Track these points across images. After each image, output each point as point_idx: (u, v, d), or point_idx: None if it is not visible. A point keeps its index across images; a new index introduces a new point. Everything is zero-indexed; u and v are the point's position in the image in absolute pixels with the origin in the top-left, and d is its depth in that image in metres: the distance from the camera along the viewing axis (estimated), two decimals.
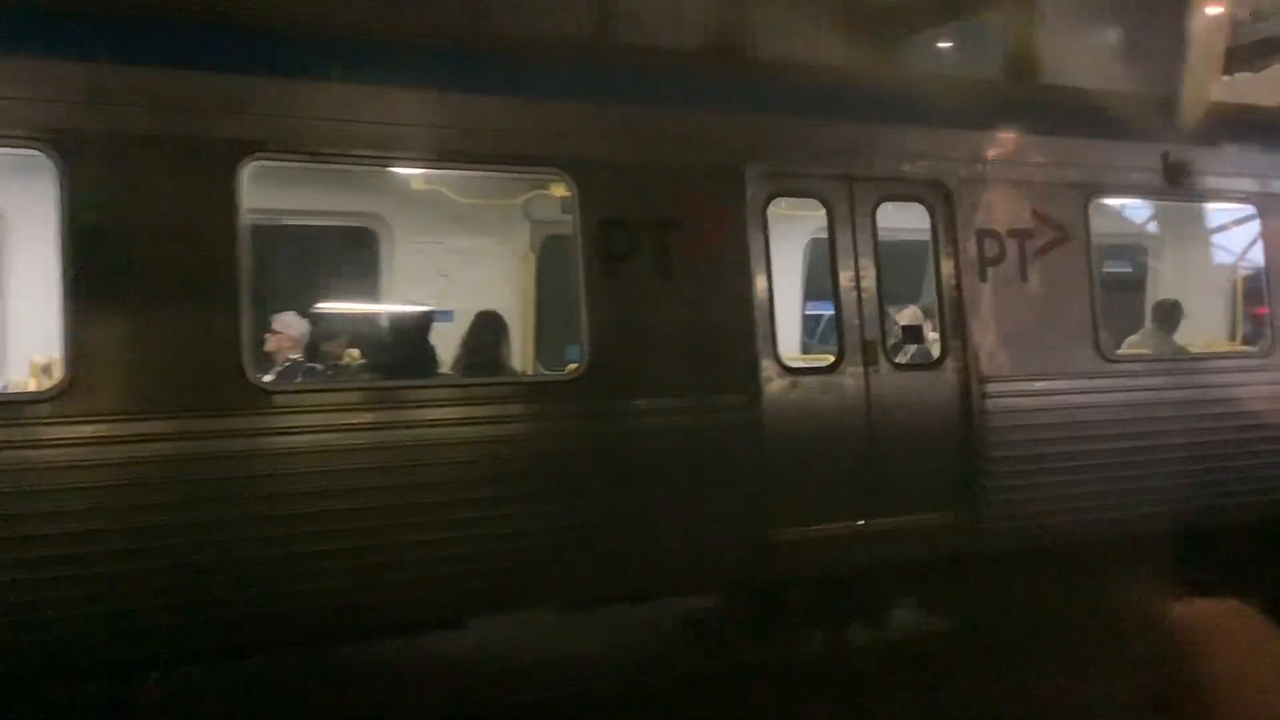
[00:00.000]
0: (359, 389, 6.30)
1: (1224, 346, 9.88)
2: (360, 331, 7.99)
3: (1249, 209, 9.21)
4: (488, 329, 7.18)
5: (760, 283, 7.17)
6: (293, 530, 5.69)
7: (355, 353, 7.59)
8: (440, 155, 6.52)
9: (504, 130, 6.51)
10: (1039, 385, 7.96)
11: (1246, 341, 9.97)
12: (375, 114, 6.18)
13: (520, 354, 9.29)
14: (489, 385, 6.50)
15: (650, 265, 6.83)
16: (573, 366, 6.78)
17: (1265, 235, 9.07)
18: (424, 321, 7.21)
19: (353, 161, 6.34)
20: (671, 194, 6.93)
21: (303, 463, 5.77)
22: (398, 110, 6.24)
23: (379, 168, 6.78)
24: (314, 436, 5.84)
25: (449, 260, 9.14)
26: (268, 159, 5.96)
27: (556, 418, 6.51)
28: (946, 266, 7.82)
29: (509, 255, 9.41)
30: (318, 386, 6.57)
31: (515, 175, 7.21)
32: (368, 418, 5.97)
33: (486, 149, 6.51)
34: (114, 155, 5.60)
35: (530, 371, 8.75)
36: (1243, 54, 12.43)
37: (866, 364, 7.50)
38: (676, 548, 6.73)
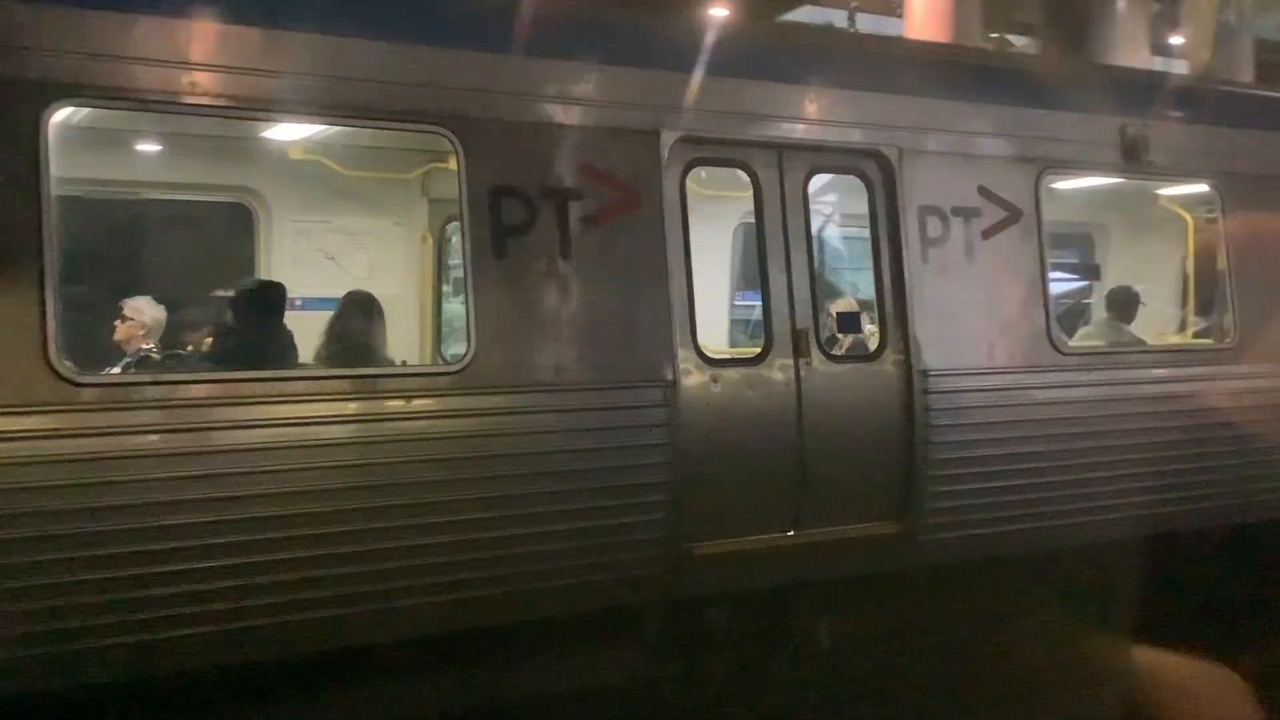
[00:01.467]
0: (191, 382, 5.29)
1: (1183, 339, 9.22)
2: (226, 318, 7.01)
3: (1208, 189, 8.52)
4: (356, 313, 6.24)
5: (677, 262, 6.32)
6: (84, 553, 4.71)
7: (209, 341, 6.61)
8: (299, 108, 5.57)
9: (373, 79, 5.59)
10: (987, 379, 7.18)
11: (1199, 335, 9.33)
12: (216, 55, 5.23)
13: (419, 345, 8.43)
14: (352, 378, 5.53)
15: (549, 241, 5.95)
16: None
17: (1225, 218, 8.38)
18: (275, 302, 6.22)
19: (190, 112, 5.36)
20: (575, 159, 6.05)
21: (119, 469, 4.80)
22: (246, 52, 5.29)
23: (222, 120, 5.80)
24: (136, 438, 4.87)
25: (336, 242, 8.23)
26: (82, 104, 5.00)
27: (436, 415, 5.60)
28: (886, 247, 7.02)
29: (405, 237, 8.51)
30: (141, 379, 5.57)
31: (391, 133, 6.25)
32: (200, 417, 5.00)
33: (351, 101, 5.58)
34: None
35: (431, 364, 7.84)
36: None
37: (797, 355, 6.68)
38: (576, 564, 5.86)
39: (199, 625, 4.96)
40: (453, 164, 5.91)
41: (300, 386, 5.33)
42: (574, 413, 5.88)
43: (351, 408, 5.40)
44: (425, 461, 5.52)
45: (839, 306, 8.34)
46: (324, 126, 6.56)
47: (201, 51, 5.22)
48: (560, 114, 6.02)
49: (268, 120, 5.81)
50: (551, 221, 5.96)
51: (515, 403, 5.78)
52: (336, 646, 5.32)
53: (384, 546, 5.35)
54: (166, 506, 4.87)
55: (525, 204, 5.90)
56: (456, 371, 5.71)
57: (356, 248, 8.26)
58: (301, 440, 5.19)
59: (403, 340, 7.91)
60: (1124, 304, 8.90)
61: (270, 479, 5.07)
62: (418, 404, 5.59)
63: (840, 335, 7.95)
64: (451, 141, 5.75)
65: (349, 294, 6.49)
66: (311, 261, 8.09)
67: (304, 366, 6.01)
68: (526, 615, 5.86)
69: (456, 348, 7.54)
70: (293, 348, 6.09)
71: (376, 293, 7.88)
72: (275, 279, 7.78)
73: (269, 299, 6.21)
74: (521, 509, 5.72)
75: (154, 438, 4.88)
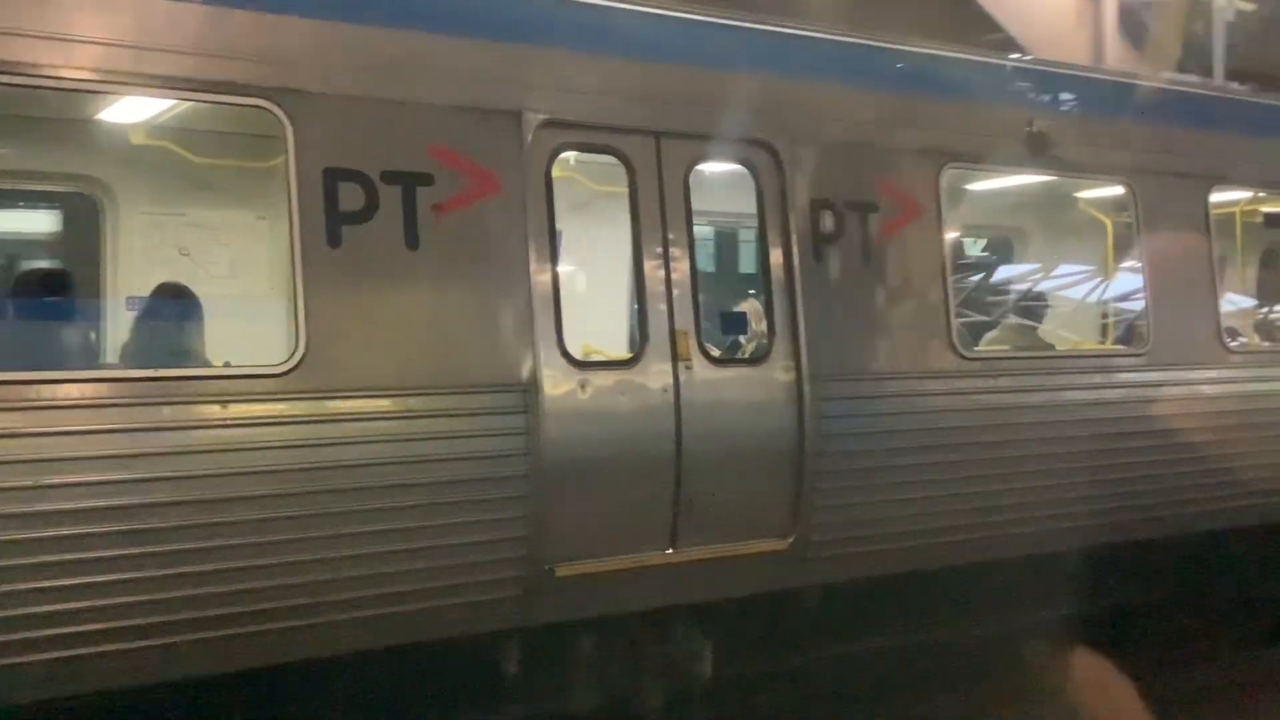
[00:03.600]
0: None
1: (1097, 345, 8.84)
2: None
3: (1122, 191, 8.13)
4: (165, 307, 5.64)
5: (541, 255, 5.80)
6: None
7: None
8: (96, 77, 4.97)
9: (185, 48, 5.02)
10: (884, 385, 6.72)
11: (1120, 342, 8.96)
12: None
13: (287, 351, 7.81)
14: (153, 380, 4.91)
15: (392, 229, 5.41)
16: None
17: (1141, 220, 7.98)
18: (57, 291, 5.59)
19: None
20: (424, 140, 5.52)
21: None
22: (32, 13, 4.71)
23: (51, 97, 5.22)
24: None
25: (193, 236, 7.59)
26: None
27: (257, 422, 5.02)
28: (775, 243, 6.54)
29: (270, 232, 7.87)
30: None
31: (243, 117, 5.65)
32: None
33: (160, 70, 5.00)
34: None
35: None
36: None
37: (675, 359, 6.16)
38: (419, 588, 5.30)
39: None
40: None
41: (85, 389, 4.72)
42: (416, 419, 5.34)
43: (154, 414, 4.80)
44: (243, 475, 4.95)
45: (744, 306, 7.86)
46: (162, 108, 6.00)
47: None
48: (405, 89, 5.49)
49: (55, 90, 5.18)
50: (395, 208, 5.42)
51: (349, 408, 5.23)
52: (126, 686, 4.72)
53: (186, 572, 4.76)
54: None
55: (365, 188, 5.36)
56: (282, 374, 5.13)
57: (215, 243, 7.62)
58: (86, 451, 4.59)
59: (271, 346, 7.34)
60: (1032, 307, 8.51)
61: (41, 496, 4.46)
62: (236, 410, 5.01)
63: (743, 339, 7.49)
64: (278, 117, 5.20)
65: (159, 285, 5.91)
66: (164, 258, 7.44)
67: (104, 367, 5.40)
68: (362, 645, 5.30)
69: None
70: (86, 346, 5.48)
71: (240, 293, 7.29)
72: (126, 279, 7.17)
73: (49, 288, 5.58)
74: (355, 527, 5.15)
75: None
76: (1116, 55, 12.65)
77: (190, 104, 5.67)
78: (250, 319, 6.76)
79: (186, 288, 5.91)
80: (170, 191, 7.34)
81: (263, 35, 5.19)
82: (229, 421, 4.98)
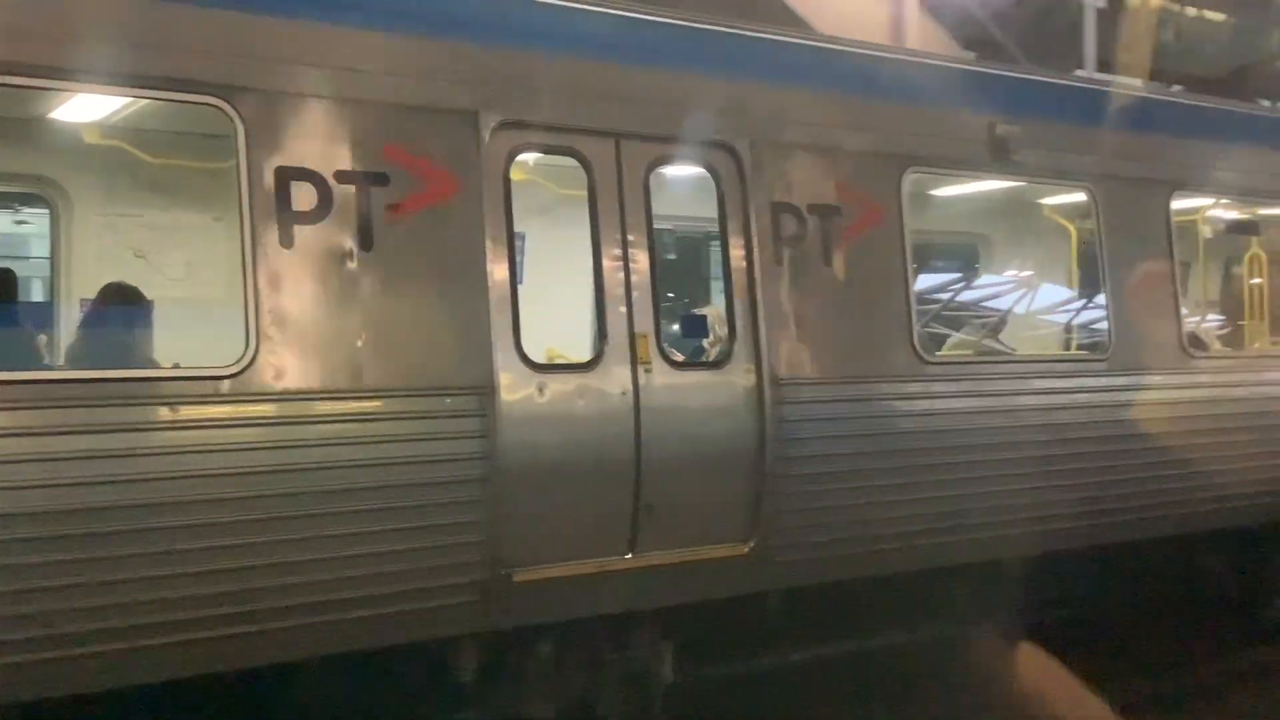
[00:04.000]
0: None
1: (1058, 350, 8.86)
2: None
3: (1084, 197, 8.15)
4: (112, 308, 5.54)
5: (499, 257, 5.74)
6: None
7: None
8: (34, 70, 4.87)
9: (134, 42, 4.95)
10: (845, 389, 6.69)
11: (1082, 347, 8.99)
12: None
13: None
14: (98, 382, 4.82)
15: (346, 230, 5.34)
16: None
17: (1102, 225, 8.00)
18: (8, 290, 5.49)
19: None
20: (378, 140, 5.45)
21: None
22: None
23: None
24: None
25: (149, 238, 7.48)
26: None
27: (207, 424, 4.94)
28: (735, 246, 6.50)
29: (227, 233, 7.76)
30: None
31: (199, 117, 5.56)
32: None
33: (106, 65, 4.92)
34: None
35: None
36: None
37: (635, 362, 6.12)
38: (373, 593, 5.22)
39: None
40: None
41: (30, 391, 4.62)
42: (370, 421, 5.27)
43: (100, 416, 4.71)
44: (194, 478, 4.86)
45: (705, 310, 7.82)
46: (114, 106, 5.93)
47: None
48: (360, 88, 5.42)
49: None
50: (349, 209, 5.36)
51: (301, 410, 5.15)
52: (61, 695, 4.63)
53: (132, 578, 4.67)
54: None
55: (318, 188, 5.29)
56: (232, 375, 5.05)
57: (172, 245, 7.51)
58: (32, 453, 4.50)
59: (227, 349, 7.25)
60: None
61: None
62: (186, 412, 4.93)
63: (705, 343, 7.45)
64: (229, 115, 5.13)
65: (106, 285, 5.82)
66: (119, 260, 7.33)
67: (49, 368, 5.30)
68: (316, 651, 5.22)
69: None
70: (28, 346, 5.37)
71: (196, 295, 7.18)
72: (81, 281, 7.06)
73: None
74: (307, 531, 5.07)
75: None
76: (918, 34, 12.36)
77: (142, 102, 5.61)
78: (206, 321, 6.67)
79: (133, 288, 5.82)
80: (126, 192, 7.25)
81: (215, 31, 5.11)
82: (178, 424, 4.90)
